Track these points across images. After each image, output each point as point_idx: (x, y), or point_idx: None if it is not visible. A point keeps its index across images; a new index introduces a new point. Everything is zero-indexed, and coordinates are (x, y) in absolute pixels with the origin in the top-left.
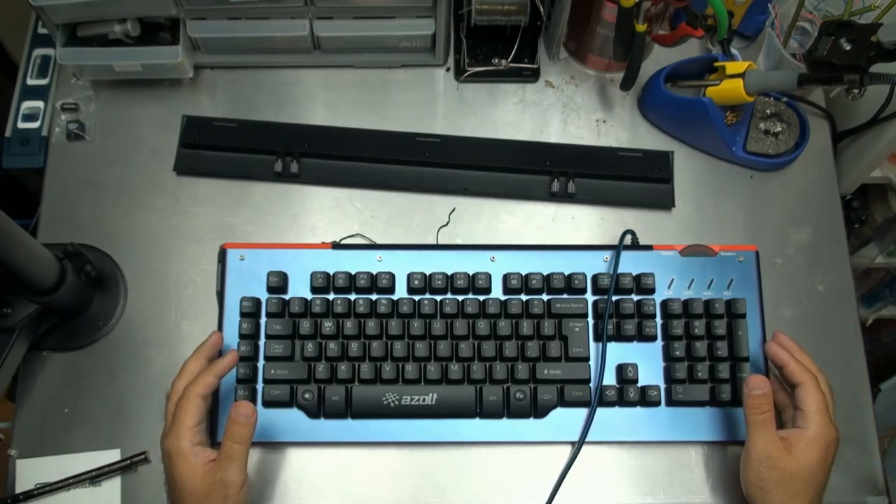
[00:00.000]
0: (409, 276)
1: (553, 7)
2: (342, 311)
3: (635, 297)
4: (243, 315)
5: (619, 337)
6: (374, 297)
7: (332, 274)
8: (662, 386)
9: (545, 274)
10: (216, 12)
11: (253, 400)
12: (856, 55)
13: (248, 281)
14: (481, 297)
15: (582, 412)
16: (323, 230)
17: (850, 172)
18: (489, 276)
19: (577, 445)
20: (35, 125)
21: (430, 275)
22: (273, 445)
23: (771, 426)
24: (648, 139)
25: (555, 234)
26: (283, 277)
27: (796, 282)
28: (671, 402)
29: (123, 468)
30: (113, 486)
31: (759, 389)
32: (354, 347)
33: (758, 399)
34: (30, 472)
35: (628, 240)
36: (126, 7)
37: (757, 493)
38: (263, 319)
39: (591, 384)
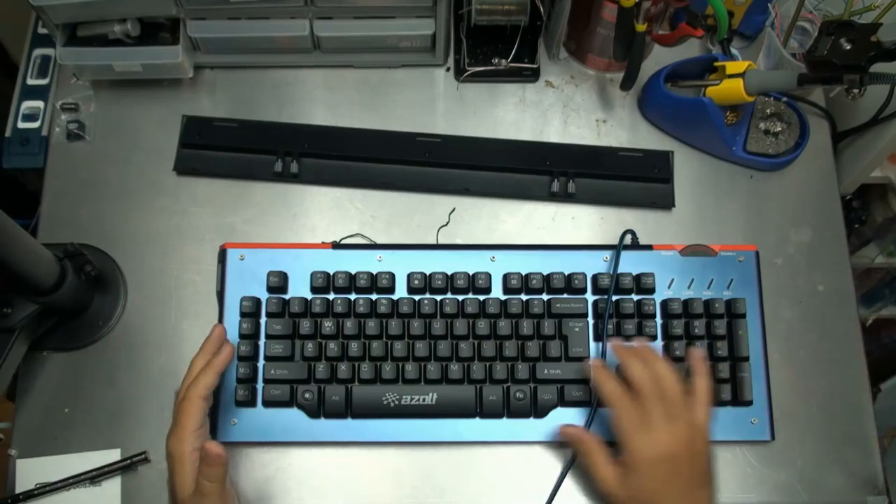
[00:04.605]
0: (409, 276)
1: (553, 7)
2: (342, 311)
3: (635, 297)
4: (243, 315)
5: (620, 337)
6: (374, 296)
7: (332, 274)
8: None
9: (545, 274)
10: (216, 12)
11: (253, 400)
12: (856, 55)
13: (248, 281)
14: (481, 297)
15: (582, 412)
16: (323, 230)
17: (850, 172)
18: (489, 276)
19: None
20: (35, 125)
21: (430, 275)
22: (273, 445)
23: (596, 462)
24: (648, 139)
25: (555, 234)
26: (283, 277)
27: (796, 282)
28: None
29: (123, 468)
30: (113, 486)
31: (567, 437)
32: (354, 347)
33: (575, 443)
34: (30, 472)
35: (628, 240)
36: (126, 7)
37: None
38: (263, 319)
39: (591, 384)
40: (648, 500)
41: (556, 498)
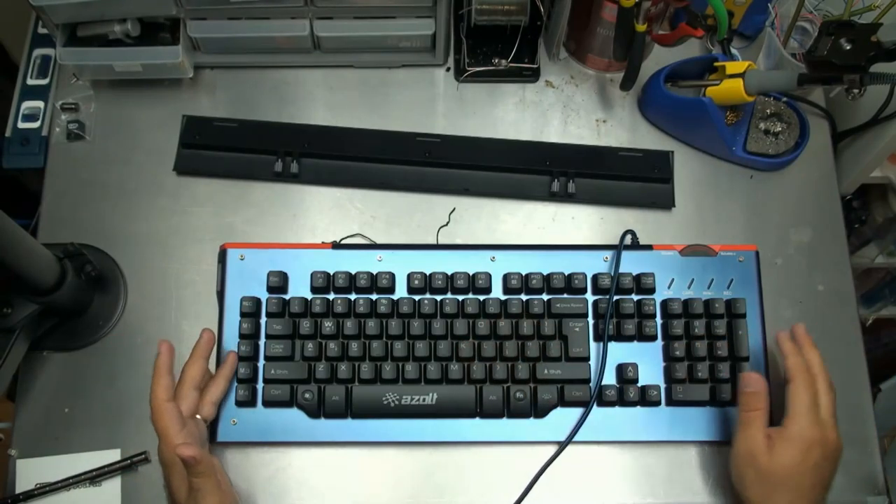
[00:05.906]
0: (409, 276)
1: (553, 7)
2: (342, 311)
3: (635, 297)
4: (243, 315)
5: (619, 337)
6: (374, 297)
7: (332, 274)
8: (662, 386)
9: (545, 274)
10: (216, 12)
11: (253, 400)
12: (856, 55)
13: (248, 281)
14: (481, 297)
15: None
16: (323, 230)
17: (850, 172)
18: (489, 276)
19: (564, 443)
20: (35, 125)
21: (430, 275)
22: (273, 445)
23: (757, 424)
24: (648, 139)
25: (555, 234)
26: (283, 277)
27: (796, 282)
28: (671, 402)
29: (123, 468)
30: (113, 486)
31: (751, 387)
32: (354, 347)
33: (749, 396)
34: (30, 472)
35: (628, 240)
36: (126, 7)
37: (739, 489)
38: (263, 319)
39: (591, 384)
40: (786, 475)
41: (556, 499)
